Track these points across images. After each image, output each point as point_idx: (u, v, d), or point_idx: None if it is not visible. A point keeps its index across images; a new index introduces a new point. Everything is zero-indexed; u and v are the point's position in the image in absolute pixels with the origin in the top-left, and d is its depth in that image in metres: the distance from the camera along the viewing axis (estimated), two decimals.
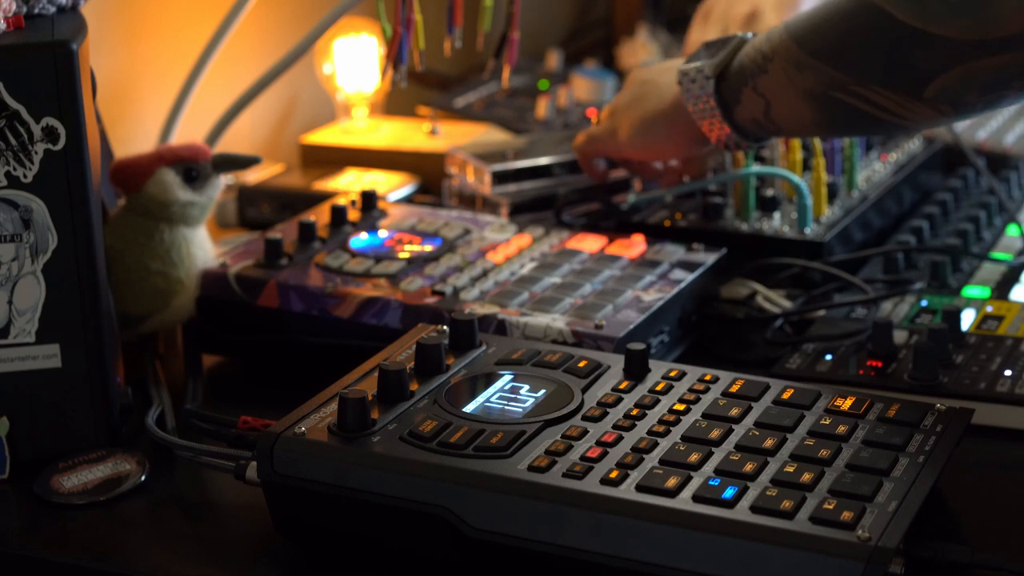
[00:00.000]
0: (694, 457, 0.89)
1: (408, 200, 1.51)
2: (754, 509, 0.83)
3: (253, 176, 1.54)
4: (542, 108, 1.69)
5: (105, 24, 1.46)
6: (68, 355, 1.03)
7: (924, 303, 1.23)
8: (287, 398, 0.99)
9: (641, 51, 1.99)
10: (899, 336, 1.16)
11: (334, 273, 1.19)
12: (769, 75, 1.17)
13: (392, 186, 1.52)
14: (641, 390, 0.98)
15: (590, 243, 1.26)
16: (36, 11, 1.05)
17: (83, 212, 1.02)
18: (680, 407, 0.95)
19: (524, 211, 1.40)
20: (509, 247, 1.25)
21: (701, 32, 1.71)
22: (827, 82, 1.12)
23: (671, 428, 0.93)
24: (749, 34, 1.22)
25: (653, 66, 1.36)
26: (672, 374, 1.00)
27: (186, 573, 0.92)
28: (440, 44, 1.34)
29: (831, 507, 0.83)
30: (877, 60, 1.09)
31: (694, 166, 1.36)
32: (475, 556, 0.87)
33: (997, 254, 1.34)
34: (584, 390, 0.97)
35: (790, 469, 0.87)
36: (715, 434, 0.92)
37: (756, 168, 1.36)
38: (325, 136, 1.64)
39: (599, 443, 0.90)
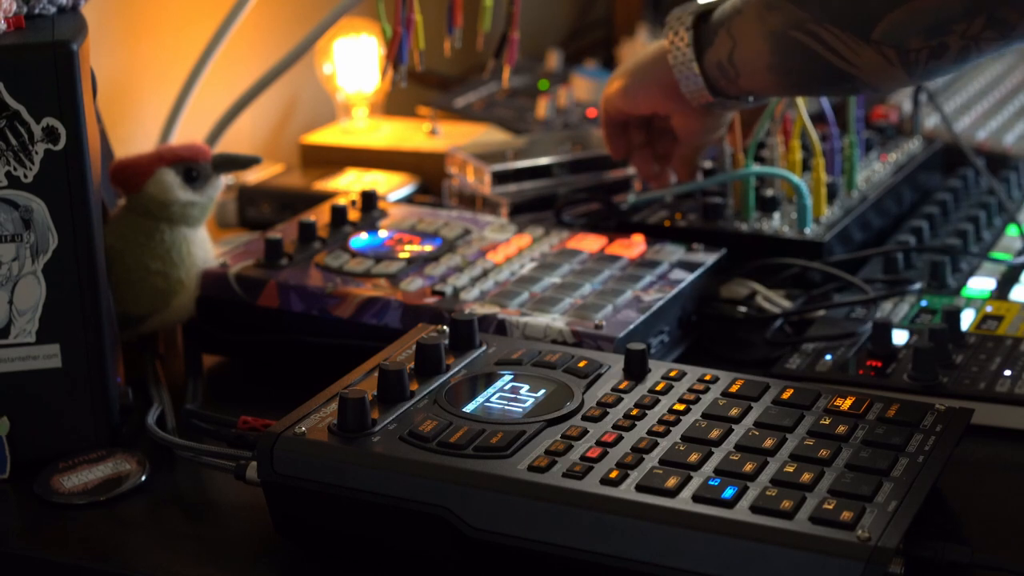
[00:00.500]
0: (694, 457, 0.89)
1: (408, 200, 1.51)
2: (754, 509, 0.83)
3: (253, 176, 1.54)
4: (542, 108, 1.69)
5: (105, 24, 1.46)
6: (68, 355, 1.03)
7: (924, 303, 1.23)
8: (287, 398, 0.99)
9: (641, 51, 1.98)
10: (899, 336, 1.16)
11: (334, 273, 1.19)
12: (742, 15, 1.20)
13: (392, 186, 1.52)
14: (641, 390, 0.98)
15: (590, 243, 1.26)
16: (36, 11, 1.05)
17: (83, 212, 1.02)
18: (680, 407, 0.95)
19: (524, 211, 1.40)
20: (509, 247, 1.25)
21: None
22: (790, 20, 1.15)
23: (671, 428, 0.93)
24: None
25: None
26: (672, 374, 1.00)
27: (186, 573, 0.92)
28: (440, 44, 1.34)
29: (831, 507, 0.83)
30: None
31: (684, 165, 1.36)
32: (475, 556, 0.87)
33: (997, 254, 1.34)
34: (584, 390, 0.97)
35: (790, 469, 0.87)
36: (715, 434, 0.92)
37: (756, 168, 1.36)
38: (325, 136, 1.64)
39: (599, 443, 0.90)
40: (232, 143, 1.59)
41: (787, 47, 1.16)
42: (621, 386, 0.98)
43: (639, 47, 1.99)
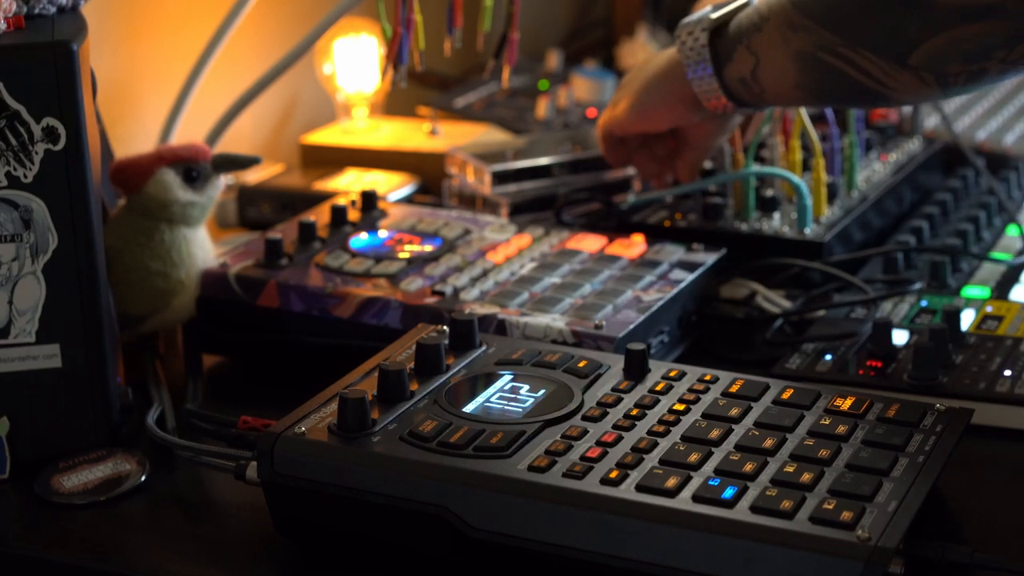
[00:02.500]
0: (694, 457, 0.89)
1: (408, 200, 1.51)
2: (754, 509, 0.83)
3: (253, 176, 1.54)
4: (542, 108, 1.69)
5: (105, 24, 1.46)
6: (68, 355, 1.03)
7: (924, 303, 1.23)
8: (287, 398, 0.99)
9: (641, 51, 1.99)
10: (899, 336, 1.16)
11: (334, 273, 1.19)
12: (763, 33, 1.18)
13: (392, 186, 1.52)
14: (641, 390, 0.98)
15: (590, 243, 1.26)
16: (36, 11, 1.05)
17: (83, 212, 1.02)
18: (680, 407, 0.95)
19: (524, 211, 1.40)
20: (509, 247, 1.25)
21: None
22: (818, 42, 1.14)
23: (671, 428, 0.93)
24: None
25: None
26: (672, 374, 1.00)
27: (186, 573, 0.92)
28: (440, 44, 1.34)
29: (831, 507, 0.83)
30: (869, 22, 1.11)
31: (690, 169, 1.36)
32: (475, 556, 0.87)
33: (997, 254, 1.34)
34: (584, 390, 0.97)
35: (790, 469, 0.87)
36: (715, 434, 0.92)
37: (756, 168, 1.36)
38: (325, 136, 1.64)
39: (599, 443, 0.90)
40: (232, 143, 1.59)
41: (816, 68, 1.15)
42: (621, 386, 0.98)
43: (639, 47, 1.99)
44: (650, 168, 1.38)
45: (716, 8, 1.24)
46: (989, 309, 1.21)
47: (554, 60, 1.91)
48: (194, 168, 1.18)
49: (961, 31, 1.07)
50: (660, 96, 1.29)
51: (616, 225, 1.35)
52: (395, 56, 1.30)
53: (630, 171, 1.43)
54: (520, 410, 0.94)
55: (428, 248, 1.24)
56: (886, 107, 1.53)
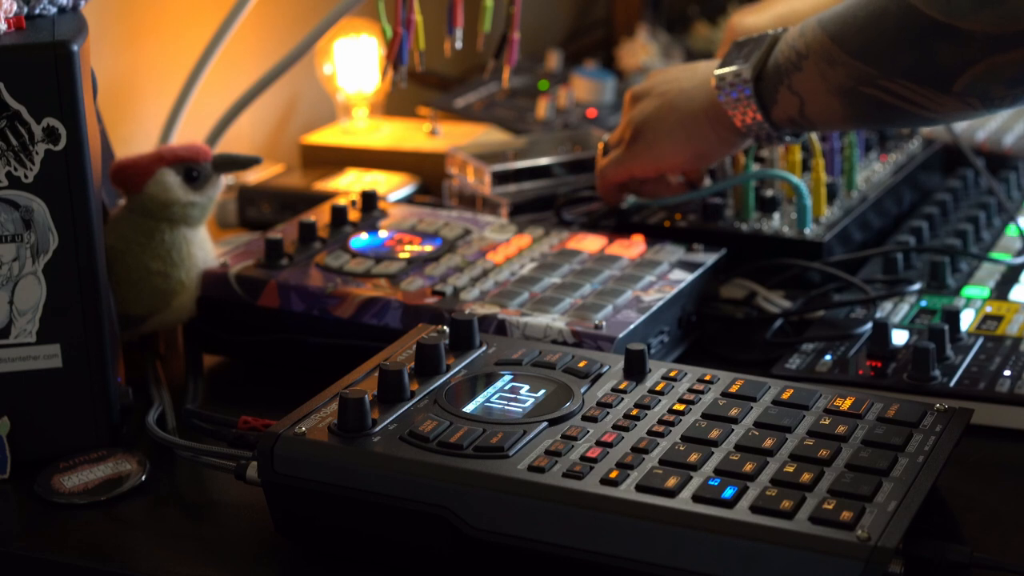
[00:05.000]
0: (694, 457, 0.89)
1: (408, 200, 1.51)
2: (754, 509, 0.83)
3: (253, 176, 1.55)
4: (542, 108, 1.69)
5: (106, 25, 1.46)
6: (69, 355, 1.03)
7: (923, 303, 1.23)
8: (287, 398, 0.99)
9: (641, 51, 1.99)
10: (899, 336, 1.16)
11: (334, 273, 1.19)
12: (803, 72, 1.17)
13: (392, 186, 1.52)
14: (641, 390, 0.98)
15: (590, 243, 1.26)
16: (37, 12, 1.05)
17: (84, 212, 1.02)
18: (680, 407, 0.95)
19: (524, 211, 1.40)
20: (509, 247, 1.25)
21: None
22: (857, 77, 1.13)
23: (671, 428, 0.93)
24: (780, 29, 1.22)
25: (668, 72, 1.33)
26: (672, 374, 1.00)
27: (186, 573, 0.92)
28: (440, 45, 1.34)
29: (831, 507, 0.83)
30: (905, 54, 1.10)
31: (697, 179, 1.35)
32: (475, 556, 0.87)
33: (996, 254, 1.34)
34: (584, 390, 0.97)
35: (790, 469, 0.87)
36: (715, 434, 0.92)
37: (756, 170, 1.36)
38: (325, 136, 1.64)
39: (599, 443, 0.90)
40: (232, 143, 1.59)
41: (861, 102, 1.14)
42: (621, 386, 0.98)
43: (639, 47, 1.99)
44: (661, 193, 1.36)
45: (742, 49, 1.23)
46: (989, 309, 1.21)
47: (554, 60, 1.91)
48: (194, 168, 1.18)
49: (998, 59, 1.06)
50: (714, 139, 1.26)
51: (616, 225, 1.35)
52: (395, 56, 1.30)
53: None
54: (520, 410, 0.94)
55: (428, 248, 1.24)
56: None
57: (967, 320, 1.18)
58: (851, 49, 1.13)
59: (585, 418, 0.94)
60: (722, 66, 1.23)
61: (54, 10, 1.06)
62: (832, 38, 1.14)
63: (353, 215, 1.31)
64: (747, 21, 1.52)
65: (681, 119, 1.27)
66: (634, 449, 0.90)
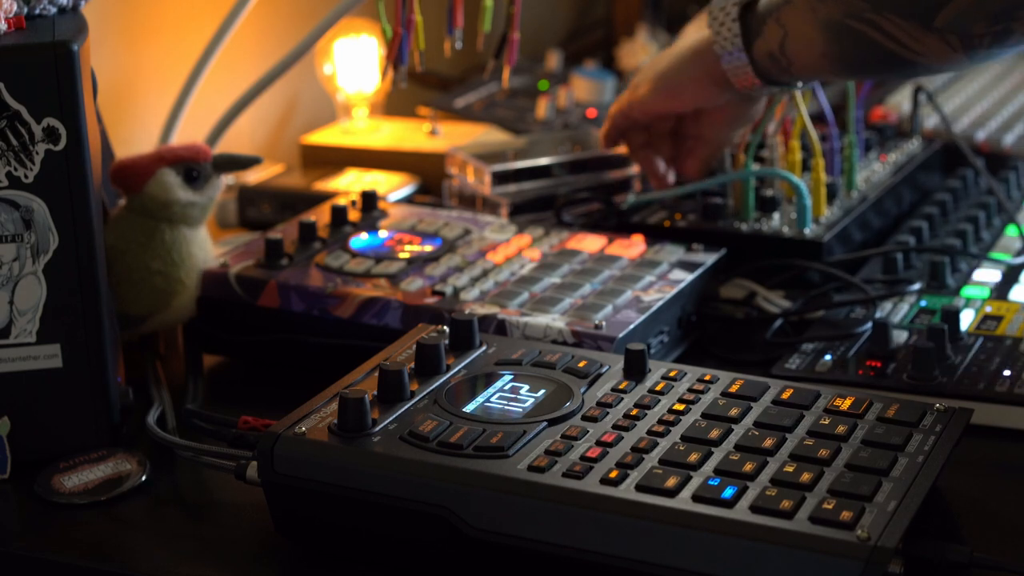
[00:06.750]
0: (694, 457, 0.89)
1: (408, 200, 1.51)
2: (754, 509, 0.83)
3: (253, 176, 1.55)
4: (542, 108, 1.69)
5: (106, 25, 1.46)
6: (69, 355, 1.03)
7: (923, 303, 1.23)
8: (287, 398, 0.99)
9: (641, 51, 1.99)
10: (899, 336, 1.16)
11: (334, 273, 1.19)
12: (792, 4, 1.20)
13: (392, 186, 1.52)
14: (641, 390, 0.98)
15: (590, 243, 1.26)
16: (37, 12, 1.05)
17: (84, 212, 1.02)
18: (680, 407, 0.95)
19: (524, 211, 1.40)
20: (509, 247, 1.25)
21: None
22: (847, 10, 1.15)
23: (671, 428, 0.93)
24: None
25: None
26: (672, 374, 1.00)
27: (186, 573, 0.92)
28: (440, 45, 1.34)
29: (830, 507, 0.83)
30: None
31: (701, 164, 1.36)
32: (475, 556, 0.87)
33: (996, 254, 1.34)
34: (584, 390, 0.97)
35: (789, 469, 0.87)
36: (715, 434, 0.92)
37: (756, 169, 1.36)
38: (325, 136, 1.64)
39: (599, 443, 0.90)
40: (232, 143, 1.59)
41: (843, 36, 1.17)
42: (621, 386, 0.98)
43: (639, 47, 1.99)
44: (655, 168, 1.37)
45: None
46: (989, 309, 1.21)
47: (554, 60, 1.91)
48: (195, 168, 1.18)
49: None
50: (689, 74, 1.29)
51: (616, 225, 1.35)
52: (395, 56, 1.30)
53: (630, 171, 1.44)
54: (520, 410, 0.94)
55: (428, 248, 1.25)
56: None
57: (967, 320, 1.18)
58: None
59: (585, 418, 0.94)
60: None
61: (54, 10, 1.06)
62: None
63: (353, 215, 1.31)
64: None
65: (669, 60, 1.31)
66: (634, 449, 0.90)
